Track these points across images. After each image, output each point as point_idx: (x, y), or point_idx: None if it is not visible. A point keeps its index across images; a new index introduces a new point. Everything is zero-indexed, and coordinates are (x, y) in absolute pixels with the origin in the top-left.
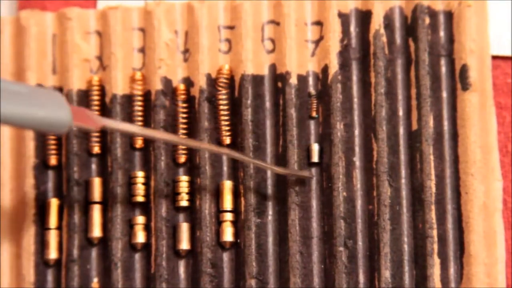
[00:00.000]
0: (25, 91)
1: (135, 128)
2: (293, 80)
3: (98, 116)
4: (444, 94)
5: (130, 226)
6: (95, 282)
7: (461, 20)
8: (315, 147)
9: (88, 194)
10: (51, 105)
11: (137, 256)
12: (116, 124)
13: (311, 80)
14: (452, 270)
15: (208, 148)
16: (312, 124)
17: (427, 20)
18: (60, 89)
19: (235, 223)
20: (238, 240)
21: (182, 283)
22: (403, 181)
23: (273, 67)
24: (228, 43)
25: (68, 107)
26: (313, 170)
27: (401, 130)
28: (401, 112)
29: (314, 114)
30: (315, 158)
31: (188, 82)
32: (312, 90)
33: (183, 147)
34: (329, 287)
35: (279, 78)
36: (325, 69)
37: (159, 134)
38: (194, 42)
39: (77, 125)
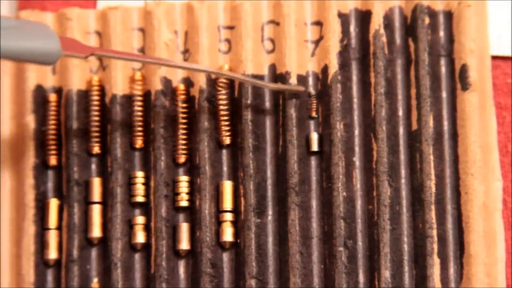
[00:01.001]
0: (12, 25)
1: (125, 54)
2: (293, 80)
3: (87, 45)
4: (444, 94)
5: (130, 226)
6: (95, 282)
7: (461, 20)
8: (314, 136)
9: (88, 194)
10: (39, 36)
11: (137, 256)
12: (106, 51)
13: (311, 80)
14: (452, 270)
15: (205, 70)
16: (312, 124)
17: (427, 20)
18: (59, 89)
19: (235, 223)
20: (238, 240)
21: (182, 283)
22: (403, 181)
23: (273, 67)
24: (228, 43)
25: (57, 36)
26: (313, 171)
27: (401, 130)
28: (401, 112)
29: (314, 114)
30: (314, 147)
31: (188, 82)
32: (312, 90)
33: (183, 147)
34: (329, 287)
35: (279, 78)
36: (325, 69)
37: (150, 59)
38: (194, 42)
39: (66, 53)
